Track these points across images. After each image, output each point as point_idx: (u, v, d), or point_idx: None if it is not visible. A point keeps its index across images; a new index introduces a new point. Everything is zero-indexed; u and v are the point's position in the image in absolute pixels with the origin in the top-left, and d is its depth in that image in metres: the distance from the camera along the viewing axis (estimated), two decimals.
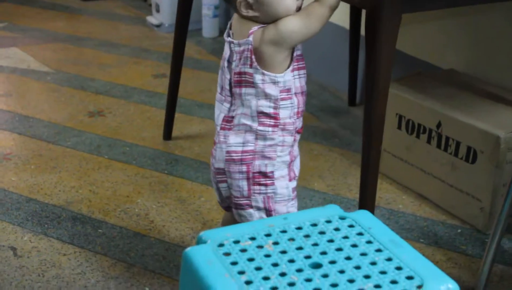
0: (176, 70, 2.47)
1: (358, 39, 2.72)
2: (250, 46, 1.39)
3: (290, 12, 1.39)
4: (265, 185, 1.47)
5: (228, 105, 1.48)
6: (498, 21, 2.22)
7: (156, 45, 3.61)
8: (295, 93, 1.44)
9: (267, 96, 1.41)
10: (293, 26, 1.37)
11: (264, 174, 1.46)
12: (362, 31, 2.71)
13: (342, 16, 2.76)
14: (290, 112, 1.45)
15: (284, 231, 1.20)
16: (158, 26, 3.89)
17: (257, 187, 1.47)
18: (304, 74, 1.46)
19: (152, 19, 3.96)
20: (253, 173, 1.46)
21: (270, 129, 1.43)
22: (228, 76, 1.47)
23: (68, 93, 2.98)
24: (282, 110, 1.43)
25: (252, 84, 1.41)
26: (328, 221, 1.23)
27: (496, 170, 1.91)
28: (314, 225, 1.22)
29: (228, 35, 1.47)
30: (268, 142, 1.44)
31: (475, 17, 2.29)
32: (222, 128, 1.48)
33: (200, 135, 2.59)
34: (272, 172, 1.46)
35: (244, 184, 1.47)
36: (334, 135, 2.60)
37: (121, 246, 1.91)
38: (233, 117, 1.46)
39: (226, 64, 1.47)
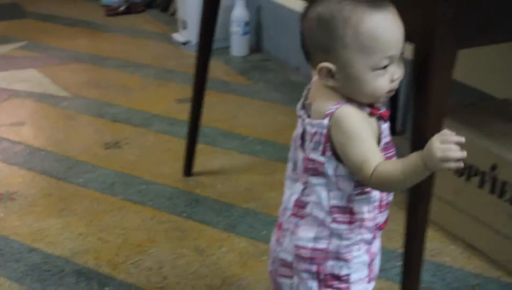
0: (198, 97, 2.25)
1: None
2: (324, 131, 1.11)
3: (379, 94, 1.10)
4: (338, 289, 1.21)
5: (301, 187, 1.20)
6: None
7: (182, 65, 3.39)
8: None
9: (339, 189, 1.15)
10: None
11: (338, 277, 1.20)
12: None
13: None
14: (368, 207, 1.17)
15: None
16: (184, 43, 3.68)
17: None
18: None
19: (179, 36, 3.75)
20: (325, 274, 1.19)
21: (345, 227, 1.16)
22: (301, 156, 1.18)
23: (85, 121, 2.78)
24: (356, 204, 1.16)
25: (323, 175, 1.14)
26: None
27: None
28: None
29: (303, 107, 1.19)
30: (344, 242, 1.17)
31: None
32: (293, 214, 1.20)
33: (224, 171, 2.36)
34: (347, 275, 1.20)
35: (314, 285, 1.20)
36: None
37: None
38: (306, 203, 1.19)
39: (299, 142, 1.19)
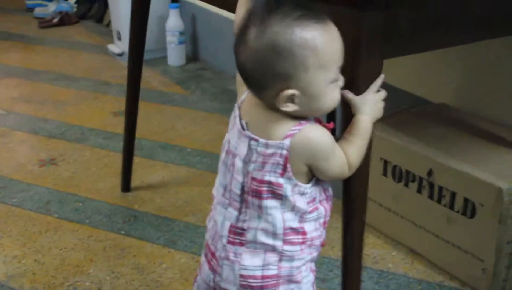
0: (132, 109, 2.19)
1: None
2: (285, 152, 1.07)
3: (334, 105, 1.10)
4: None
5: (235, 213, 1.15)
6: (493, 50, 1.97)
7: (118, 77, 3.33)
8: (320, 201, 1.15)
9: (294, 209, 1.11)
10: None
11: None
12: None
13: None
14: (315, 224, 1.15)
15: None
16: (120, 55, 3.62)
17: None
18: None
19: (114, 47, 3.70)
20: None
21: (298, 247, 1.13)
22: (240, 179, 1.13)
23: (18, 138, 2.70)
24: (307, 224, 1.13)
25: (280, 196, 1.10)
26: None
27: (499, 225, 1.65)
28: None
29: (241, 126, 1.13)
30: (295, 263, 1.14)
31: (467, 46, 2.03)
32: (230, 242, 1.15)
33: (163, 184, 2.32)
34: None
35: None
36: None
37: None
38: (244, 229, 1.14)
39: (240, 163, 1.13)
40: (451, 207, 1.74)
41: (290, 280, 1.15)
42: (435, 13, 1.27)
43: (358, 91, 1.19)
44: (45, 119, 2.86)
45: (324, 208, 1.16)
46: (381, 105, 1.22)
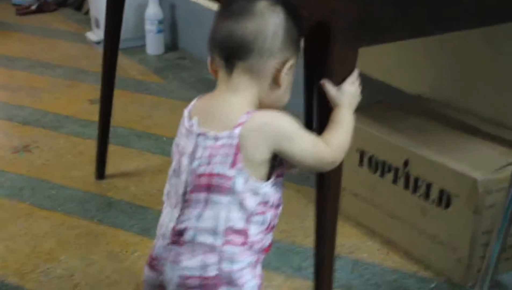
0: (107, 97, 2.17)
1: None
2: (235, 141, 1.06)
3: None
4: None
5: (177, 214, 1.13)
6: (470, 39, 1.96)
7: (95, 65, 3.27)
8: (271, 206, 1.13)
9: (241, 208, 1.09)
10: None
11: None
12: None
13: None
14: (259, 228, 1.13)
15: None
16: (98, 43, 3.58)
17: None
18: (282, 180, 1.15)
19: (92, 35, 3.66)
20: None
21: (238, 249, 1.11)
22: (184, 178, 1.11)
23: None
24: (252, 226, 1.11)
25: (227, 191, 1.08)
26: None
27: (474, 216, 1.65)
28: None
29: (190, 125, 1.13)
30: (236, 266, 1.11)
31: (443, 36, 2.03)
32: (172, 242, 1.13)
33: (138, 172, 2.29)
34: None
35: None
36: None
37: None
38: (183, 230, 1.11)
39: (186, 161, 1.11)
40: (427, 197, 1.74)
41: (230, 282, 1.12)
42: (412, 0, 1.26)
43: (332, 80, 1.19)
44: (20, 106, 2.82)
45: (270, 215, 1.14)
46: (357, 95, 1.23)
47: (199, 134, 1.10)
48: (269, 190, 1.10)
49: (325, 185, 1.29)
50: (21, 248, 1.88)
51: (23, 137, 2.54)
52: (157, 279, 1.16)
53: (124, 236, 1.94)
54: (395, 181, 1.82)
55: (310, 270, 1.77)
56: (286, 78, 1.13)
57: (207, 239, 1.09)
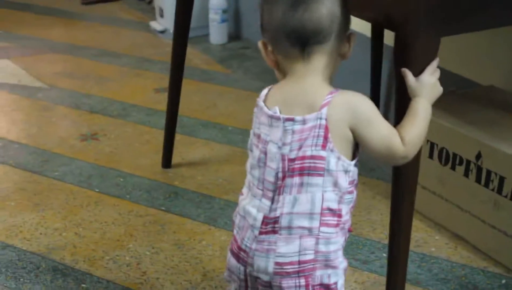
0: (175, 87, 2.18)
1: (381, 47, 2.42)
2: (324, 122, 1.08)
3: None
4: None
5: (268, 203, 1.13)
6: None
7: (160, 54, 3.32)
8: (355, 185, 1.15)
9: (335, 188, 1.10)
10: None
11: (327, 287, 1.14)
12: (386, 39, 2.40)
13: (362, 22, 2.45)
14: (348, 208, 1.14)
15: None
16: (162, 32, 3.61)
17: None
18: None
19: (156, 25, 3.68)
20: (313, 286, 1.13)
21: (333, 230, 1.12)
22: (274, 166, 1.12)
23: (60, 112, 2.70)
24: (344, 205, 1.13)
25: (321, 172, 1.09)
26: None
27: None
28: None
29: (272, 113, 1.13)
30: (332, 247, 1.12)
31: None
32: (263, 233, 1.13)
33: (204, 161, 2.30)
34: (335, 283, 1.14)
35: None
36: None
37: None
38: (276, 217, 1.12)
39: (274, 149, 1.12)
40: (499, 191, 1.70)
41: (327, 265, 1.13)
42: None
43: (414, 69, 1.17)
44: (87, 95, 2.86)
45: (356, 193, 1.16)
46: (438, 86, 1.22)
47: (286, 120, 1.11)
48: (354, 168, 1.12)
49: (402, 179, 1.27)
50: (90, 235, 1.91)
51: (91, 125, 2.58)
52: (244, 270, 1.16)
53: (191, 225, 1.95)
54: (466, 174, 1.78)
55: (377, 263, 1.76)
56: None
57: (304, 222, 1.10)
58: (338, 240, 1.12)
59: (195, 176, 2.21)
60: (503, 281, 1.70)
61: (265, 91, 1.19)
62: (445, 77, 2.19)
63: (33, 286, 1.70)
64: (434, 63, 1.20)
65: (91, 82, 3.00)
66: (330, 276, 1.13)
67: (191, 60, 3.21)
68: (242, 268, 1.17)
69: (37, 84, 2.96)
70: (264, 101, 1.16)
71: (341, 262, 1.15)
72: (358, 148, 1.13)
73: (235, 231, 1.20)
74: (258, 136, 1.15)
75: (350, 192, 1.12)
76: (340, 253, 1.14)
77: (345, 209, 1.13)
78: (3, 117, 2.66)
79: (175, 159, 2.29)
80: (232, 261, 1.19)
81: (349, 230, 1.17)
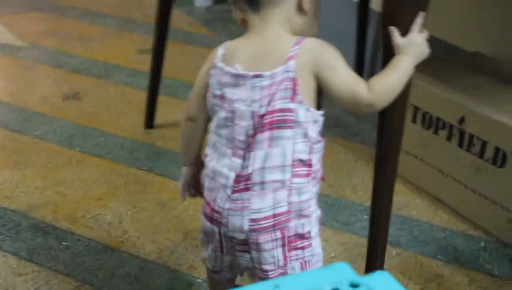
0: (159, 48, 2.16)
1: (367, 12, 2.41)
2: (292, 74, 1.07)
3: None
4: (302, 248, 1.15)
5: (240, 161, 1.12)
6: None
7: (145, 15, 3.29)
8: (322, 134, 1.15)
9: (305, 139, 1.10)
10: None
11: (302, 236, 1.14)
12: (371, 4, 2.40)
13: None
14: (318, 156, 1.14)
15: None
16: None
17: (293, 252, 1.14)
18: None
19: None
20: (289, 237, 1.13)
21: (305, 180, 1.11)
22: (244, 124, 1.11)
23: (42, 71, 2.68)
24: (314, 155, 1.13)
25: (291, 124, 1.08)
26: None
27: None
28: None
29: (236, 71, 1.12)
30: (304, 197, 1.12)
31: None
32: (236, 191, 1.12)
33: None
34: (309, 231, 1.14)
35: (279, 252, 1.14)
36: (337, 123, 2.30)
37: (87, 263, 1.62)
38: (249, 174, 1.11)
39: (242, 107, 1.10)
40: (481, 156, 1.71)
41: (300, 215, 1.13)
42: None
43: (401, 25, 1.16)
44: (69, 54, 2.84)
45: (324, 142, 1.16)
46: (425, 46, 1.20)
47: (254, 76, 1.10)
48: (322, 118, 1.12)
49: (386, 141, 1.27)
50: (71, 194, 1.90)
51: (72, 85, 2.56)
52: (218, 231, 1.16)
53: (173, 185, 1.94)
54: (449, 138, 1.78)
55: (358, 225, 1.77)
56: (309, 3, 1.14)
57: (276, 175, 1.09)
58: (310, 189, 1.12)
59: (177, 137, 2.20)
60: (482, 244, 1.72)
61: (220, 51, 1.16)
62: (432, 43, 2.20)
63: (13, 243, 1.69)
64: (419, 20, 1.19)
65: (74, 42, 2.97)
66: (303, 226, 1.13)
67: (176, 22, 3.17)
68: (216, 229, 1.16)
69: (19, 43, 2.93)
70: (223, 61, 1.15)
71: (314, 211, 1.15)
72: (321, 97, 1.13)
73: (205, 194, 1.19)
74: (221, 97, 1.13)
75: (319, 141, 1.13)
76: (313, 201, 1.14)
77: (315, 158, 1.13)
78: None
79: (158, 120, 2.28)
80: (206, 223, 1.18)
81: (322, 178, 1.17)
